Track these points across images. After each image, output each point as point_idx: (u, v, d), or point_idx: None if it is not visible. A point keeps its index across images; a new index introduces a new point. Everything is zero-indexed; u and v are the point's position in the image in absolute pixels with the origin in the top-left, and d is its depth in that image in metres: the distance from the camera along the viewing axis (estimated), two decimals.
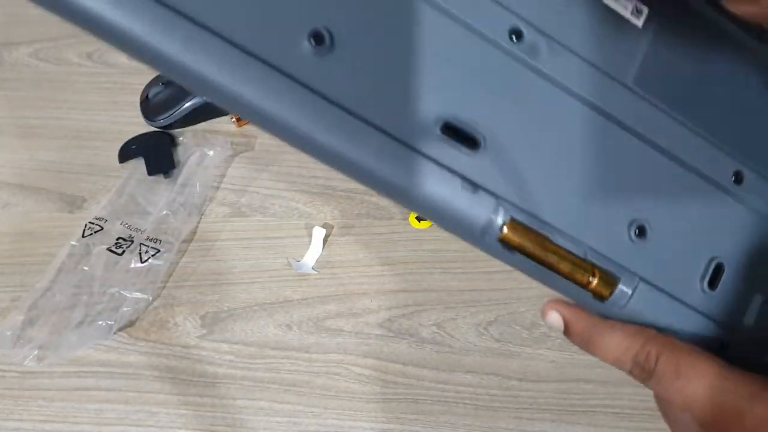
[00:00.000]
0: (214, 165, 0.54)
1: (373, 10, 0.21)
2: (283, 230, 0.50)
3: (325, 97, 0.20)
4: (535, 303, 0.48)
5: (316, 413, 0.44)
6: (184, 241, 0.50)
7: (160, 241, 0.49)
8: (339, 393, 0.45)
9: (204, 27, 0.19)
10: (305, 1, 0.20)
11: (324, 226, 0.49)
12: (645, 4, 0.24)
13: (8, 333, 0.44)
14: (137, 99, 0.58)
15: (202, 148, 0.54)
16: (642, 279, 0.25)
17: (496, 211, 0.22)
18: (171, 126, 0.57)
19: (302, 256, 0.49)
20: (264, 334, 0.46)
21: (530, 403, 0.44)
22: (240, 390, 0.44)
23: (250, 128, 0.58)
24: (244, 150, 0.55)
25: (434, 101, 0.21)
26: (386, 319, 0.47)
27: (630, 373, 0.25)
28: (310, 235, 0.49)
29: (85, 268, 0.48)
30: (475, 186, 0.22)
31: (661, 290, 0.25)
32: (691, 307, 0.26)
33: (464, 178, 0.22)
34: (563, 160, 0.23)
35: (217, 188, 0.53)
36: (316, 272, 0.49)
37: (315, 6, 0.20)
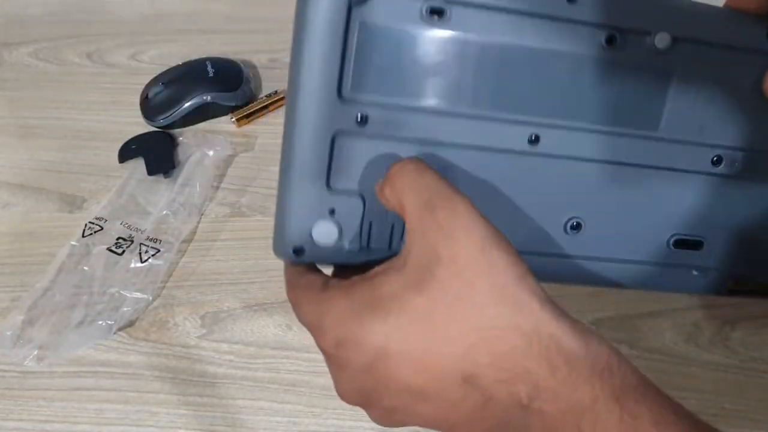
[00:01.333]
0: (214, 165, 0.54)
1: (607, 199, 0.29)
2: None
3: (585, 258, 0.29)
4: None
5: (316, 413, 0.44)
6: (184, 241, 0.50)
7: (160, 241, 0.49)
8: None
9: None
10: (565, 202, 0.28)
11: None
12: None
13: (8, 333, 0.44)
14: (137, 99, 0.58)
15: (202, 148, 0.54)
16: None
17: (721, 281, 0.31)
18: (171, 126, 0.57)
19: None
20: (264, 334, 0.46)
21: None
22: (240, 390, 0.44)
23: (250, 128, 0.58)
24: (244, 150, 0.55)
25: (664, 232, 0.30)
26: None
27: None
28: None
29: (85, 268, 0.48)
30: (706, 270, 0.31)
31: None
32: None
33: (697, 268, 0.31)
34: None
35: (217, 188, 0.53)
36: None
37: (572, 205, 0.29)
